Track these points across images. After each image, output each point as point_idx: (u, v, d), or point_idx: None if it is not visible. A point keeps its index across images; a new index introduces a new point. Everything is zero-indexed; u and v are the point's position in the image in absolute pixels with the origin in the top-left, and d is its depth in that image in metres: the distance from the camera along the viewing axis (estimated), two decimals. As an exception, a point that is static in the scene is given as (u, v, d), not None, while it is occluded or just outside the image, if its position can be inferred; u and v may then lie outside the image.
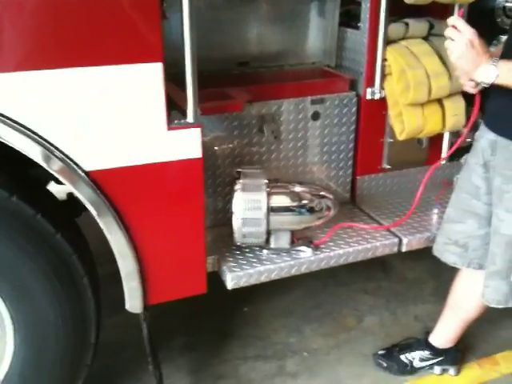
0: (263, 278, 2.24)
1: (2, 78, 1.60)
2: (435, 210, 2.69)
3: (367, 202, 2.72)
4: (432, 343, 2.51)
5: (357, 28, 2.54)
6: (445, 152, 2.79)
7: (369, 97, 2.53)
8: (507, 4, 2.76)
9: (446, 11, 2.63)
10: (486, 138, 2.02)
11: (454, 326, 2.45)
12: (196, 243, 2.05)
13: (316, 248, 2.34)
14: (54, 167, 1.72)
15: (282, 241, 2.30)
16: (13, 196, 1.73)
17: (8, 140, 1.65)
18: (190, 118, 1.86)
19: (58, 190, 2.14)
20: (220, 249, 2.30)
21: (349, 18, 2.64)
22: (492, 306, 2.12)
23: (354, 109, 2.56)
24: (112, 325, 2.42)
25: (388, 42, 2.47)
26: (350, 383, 2.53)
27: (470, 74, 1.88)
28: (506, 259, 2.02)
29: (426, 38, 2.59)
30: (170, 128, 1.83)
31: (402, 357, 2.55)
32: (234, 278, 2.18)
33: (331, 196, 2.30)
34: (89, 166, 1.76)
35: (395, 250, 2.48)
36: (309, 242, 2.35)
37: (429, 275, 3.27)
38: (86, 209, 1.89)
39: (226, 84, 2.36)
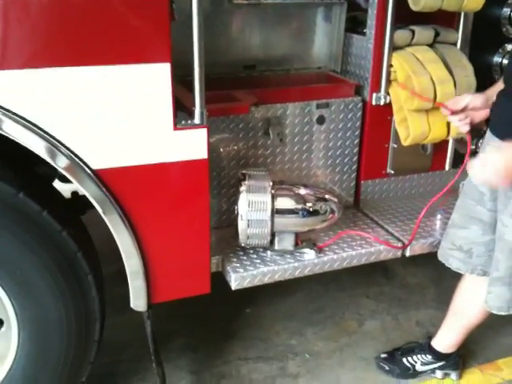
0: (267, 279, 2.25)
1: (11, 75, 1.62)
2: (439, 216, 2.70)
3: (371, 206, 2.74)
4: (434, 348, 2.52)
5: (363, 34, 2.56)
6: (448, 162, 2.81)
7: (374, 102, 2.55)
8: (513, 13, 2.78)
9: (452, 19, 2.66)
10: (492, 144, 1.99)
11: (456, 332, 2.45)
12: (201, 243, 2.06)
13: (320, 251, 2.36)
14: (61, 164, 1.74)
15: (285, 243, 2.31)
16: (20, 193, 1.75)
17: (16, 137, 1.68)
18: (196, 119, 1.88)
19: (62, 189, 2.17)
20: (224, 249, 2.31)
21: (355, 24, 2.66)
22: (494, 312, 2.12)
23: (359, 114, 2.58)
24: (114, 324, 2.43)
25: (394, 48, 2.49)
26: (351, 386, 2.54)
27: None
28: (509, 266, 2.02)
29: (431, 46, 2.61)
30: (176, 128, 1.85)
31: (405, 360, 2.55)
32: (237, 279, 2.20)
33: (335, 199, 2.31)
34: (96, 165, 1.78)
35: (399, 254, 2.49)
36: (312, 245, 2.37)
37: (430, 281, 3.28)
38: (90, 207, 1.92)
39: (233, 87, 2.39)
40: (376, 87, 2.53)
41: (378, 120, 2.62)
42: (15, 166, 1.89)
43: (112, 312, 2.23)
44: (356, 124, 2.59)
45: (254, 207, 2.16)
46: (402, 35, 2.52)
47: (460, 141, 2.86)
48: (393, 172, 2.73)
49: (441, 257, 2.34)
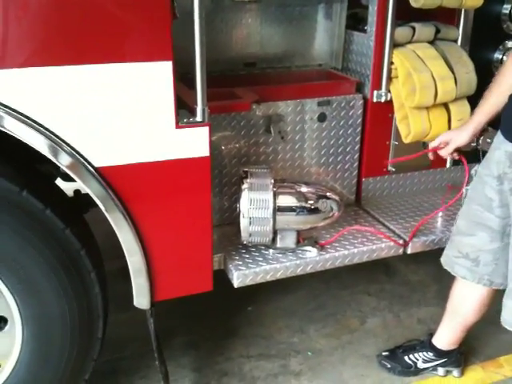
0: (269, 277, 2.25)
1: (14, 74, 1.62)
2: (440, 213, 2.70)
3: (372, 203, 2.74)
4: (435, 345, 2.52)
5: (364, 31, 2.56)
6: (449, 159, 2.81)
7: (375, 99, 2.56)
8: (513, 10, 2.78)
9: (453, 16, 2.66)
10: (503, 149, 1.94)
11: (455, 330, 2.45)
12: (203, 241, 2.07)
13: (321, 248, 2.36)
14: (63, 162, 1.74)
15: (287, 240, 2.32)
16: (23, 191, 1.76)
17: (19, 135, 1.68)
18: (198, 117, 1.89)
19: (64, 188, 2.17)
20: (226, 247, 2.32)
21: (356, 21, 2.67)
22: (507, 327, 2.06)
23: (360, 111, 2.59)
24: (117, 321, 2.44)
25: (394, 45, 2.49)
26: (354, 384, 2.55)
27: None
28: None
29: (432, 42, 2.61)
30: (178, 126, 1.85)
31: (406, 358, 2.56)
32: (239, 277, 2.20)
33: (337, 197, 2.32)
34: (98, 162, 1.79)
35: (400, 251, 2.49)
36: (314, 242, 2.37)
37: (432, 278, 3.28)
38: (93, 205, 1.92)
39: (233, 84, 2.39)
40: (377, 84, 2.54)
41: (379, 117, 2.62)
42: (18, 164, 1.90)
43: (115, 309, 2.24)
44: (357, 121, 2.59)
45: (255, 205, 2.16)
46: (402, 32, 2.52)
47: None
48: (394, 169, 2.74)
49: (446, 265, 2.29)
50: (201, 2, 1.77)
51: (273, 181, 2.21)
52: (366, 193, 2.74)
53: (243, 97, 2.31)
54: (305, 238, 2.37)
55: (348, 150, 2.63)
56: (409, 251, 2.49)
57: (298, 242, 2.34)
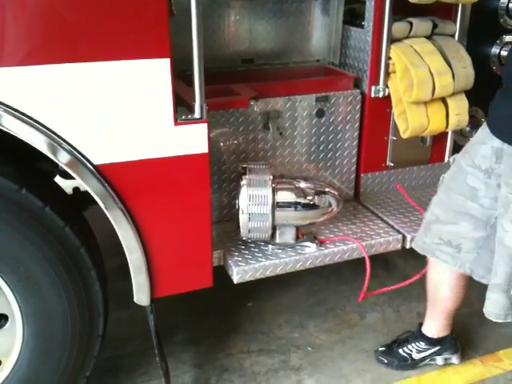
0: (268, 273, 2.27)
1: (12, 72, 1.63)
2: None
3: (371, 199, 2.75)
4: (425, 334, 2.51)
5: (361, 26, 2.57)
6: (447, 154, 2.82)
7: (373, 95, 2.56)
8: (510, 4, 2.78)
9: (450, 10, 2.66)
10: (490, 144, 1.95)
11: (439, 317, 2.45)
12: (202, 237, 2.07)
13: (320, 244, 2.37)
14: (62, 160, 1.75)
15: (286, 236, 2.33)
16: (22, 189, 1.76)
17: (18, 133, 1.68)
18: (196, 114, 1.89)
19: (64, 185, 2.18)
20: (226, 243, 2.33)
21: (353, 17, 2.67)
22: (491, 319, 2.07)
23: (358, 106, 2.59)
24: (117, 318, 2.45)
25: (392, 40, 2.50)
26: (354, 378, 2.55)
27: None
28: (508, 272, 1.96)
29: (429, 37, 2.61)
30: (176, 123, 1.86)
31: (401, 351, 2.56)
32: (239, 272, 2.21)
33: (336, 192, 2.33)
34: (97, 160, 1.79)
35: (399, 246, 2.51)
36: (313, 238, 2.38)
37: (432, 273, 3.29)
38: (92, 202, 1.93)
39: (231, 81, 2.41)
40: (375, 80, 2.54)
41: (377, 113, 2.63)
42: (17, 163, 1.90)
43: (115, 306, 2.25)
44: (355, 117, 2.60)
45: (254, 201, 2.17)
46: (400, 27, 2.53)
47: (459, 132, 2.88)
48: (392, 164, 2.75)
49: (424, 251, 2.28)
50: (198, -1, 1.78)
51: (271, 177, 2.22)
52: (364, 188, 2.75)
53: (241, 93, 2.32)
54: (304, 233, 2.38)
55: (346, 145, 2.63)
56: (407, 245, 2.50)
57: (297, 238, 2.35)
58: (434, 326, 2.49)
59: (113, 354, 2.55)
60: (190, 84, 1.89)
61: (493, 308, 2.04)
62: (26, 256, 1.83)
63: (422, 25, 2.57)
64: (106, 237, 2.00)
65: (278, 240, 2.33)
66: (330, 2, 2.69)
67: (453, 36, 2.68)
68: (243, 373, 2.57)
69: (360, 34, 2.57)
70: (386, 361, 2.58)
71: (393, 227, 2.54)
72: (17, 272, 1.83)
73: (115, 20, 1.67)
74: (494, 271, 2.01)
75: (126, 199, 1.87)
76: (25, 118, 1.67)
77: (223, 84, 2.35)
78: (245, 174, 2.21)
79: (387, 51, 2.49)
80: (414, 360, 2.54)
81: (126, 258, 1.97)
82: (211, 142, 2.09)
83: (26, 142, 1.71)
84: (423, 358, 2.54)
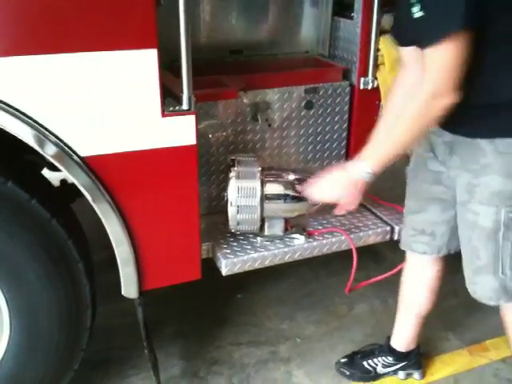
0: (257, 265, 2.26)
1: (-3, 63, 1.60)
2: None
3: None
4: (394, 348, 2.49)
5: (350, 18, 2.55)
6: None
7: (362, 86, 2.55)
8: None
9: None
10: (441, 139, 1.98)
11: (411, 324, 2.43)
12: (191, 229, 2.07)
13: (309, 236, 2.37)
14: (49, 152, 1.73)
15: (275, 228, 2.32)
16: (8, 181, 1.74)
17: (4, 125, 1.66)
18: (184, 105, 1.87)
19: (51, 177, 2.16)
20: (214, 236, 2.32)
21: (342, 8, 2.65)
22: (484, 302, 2.05)
23: (347, 98, 2.58)
24: (106, 311, 2.44)
25: (381, 32, 2.48)
26: (342, 369, 2.57)
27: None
28: (490, 253, 1.95)
29: (418, 29, 2.61)
30: (164, 115, 1.84)
31: (365, 364, 2.51)
32: (228, 265, 2.20)
33: None
34: (84, 152, 1.77)
35: (387, 237, 2.51)
36: (302, 230, 2.38)
37: (420, 264, 3.31)
38: (80, 195, 1.91)
39: (220, 72, 2.38)
40: (364, 71, 2.53)
41: (366, 104, 2.61)
42: (3, 155, 1.88)
43: (104, 299, 2.24)
44: (344, 108, 2.59)
45: (243, 193, 2.16)
46: (389, 19, 2.51)
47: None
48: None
49: (403, 246, 2.30)
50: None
51: (260, 169, 2.21)
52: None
53: (230, 84, 2.30)
54: (293, 225, 2.38)
55: (335, 137, 2.63)
56: (396, 237, 2.50)
57: (285, 230, 2.34)
58: (406, 336, 2.47)
59: (101, 346, 2.54)
60: (178, 75, 1.88)
61: (483, 291, 2.03)
62: (12, 248, 1.81)
63: (411, 16, 2.56)
64: (94, 229, 1.99)
65: (266, 232, 2.32)
66: (320, -7, 2.68)
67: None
68: (232, 365, 2.58)
69: (349, 26, 2.56)
70: (347, 373, 2.52)
71: (381, 219, 2.55)
72: (3, 265, 1.82)
73: (101, 10, 1.65)
74: (474, 256, 2.00)
75: (113, 191, 1.85)
76: (10, 109, 1.65)
77: (212, 75, 2.33)
78: (233, 166, 2.20)
79: (376, 43, 2.47)
80: (378, 374, 2.51)
81: (114, 251, 1.96)
82: (200, 134, 2.08)
83: (11, 134, 1.69)
84: (387, 373, 2.52)
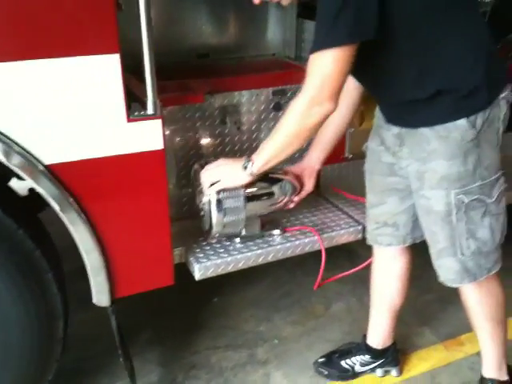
0: (231, 268, 2.25)
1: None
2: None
3: (331, 190, 2.76)
4: (370, 345, 2.51)
5: (315, 19, 2.56)
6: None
7: (329, 87, 2.56)
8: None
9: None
10: (391, 132, 2.02)
11: (385, 319, 2.46)
12: (161, 235, 2.05)
13: (285, 231, 2.39)
14: (13, 162, 1.70)
15: (253, 227, 2.32)
16: (-29, 193, 1.72)
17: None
18: (150, 110, 1.86)
19: (19, 186, 2.12)
20: (187, 240, 2.30)
21: (307, 10, 2.67)
22: (449, 285, 2.10)
23: (315, 99, 2.59)
24: (81, 320, 2.42)
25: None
26: (320, 369, 2.58)
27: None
28: (447, 235, 1.99)
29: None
30: (129, 120, 1.82)
31: (343, 363, 2.52)
32: (201, 269, 2.19)
33: (292, 178, 2.32)
34: (48, 160, 1.75)
35: (359, 236, 2.52)
36: (277, 225, 2.40)
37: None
38: (48, 204, 1.89)
39: (187, 76, 2.38)
40: (330, 72, 2.54)
41: (334, 105, 2.63)
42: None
43: (78, 307, 2.22)
44: (313, 110, 2.60)
45: (227, 195, 2.14)
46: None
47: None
48: (351, 156, 2.77)
49: (370, 240, 2.34)
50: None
51: None
52: (324, 179, 2.75)
53: (196, 88, 2.29)
54: (266, 222, 2.38)
55: (305, 138, 2.63)
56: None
57: (262, 228, 2.35)
58: (381, 332, 2.49)
59: (78, 355, 2.51)
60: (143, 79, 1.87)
61: (446, 274, 2.07)
62: (-22, 261, 1.78)
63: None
64: (66, 237, 1.96)
65: (245, 232, 2.31)
66: (284, -5, 2.68)
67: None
68: (210, 369, 2.57)
69: (314, 27, 2.57)
70: (326, 372, 2.53)
71: (353, 218, 2.56)
72: (-31, 277, 1.79)
73: (60, 15, 1.63)
74: (435, 240, 2.04)
75: (81, 199, 1.83)
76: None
77: (179, 79, 2.32)
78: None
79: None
80: (356, 372, 2.53)
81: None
82: (168, 138, 2.07)
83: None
84: (365, 371, 2.54)
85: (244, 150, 2.51)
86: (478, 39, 1.83)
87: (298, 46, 2.74)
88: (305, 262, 3.16)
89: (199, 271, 2.19)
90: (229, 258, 2.24)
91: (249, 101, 2.45)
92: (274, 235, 2.37)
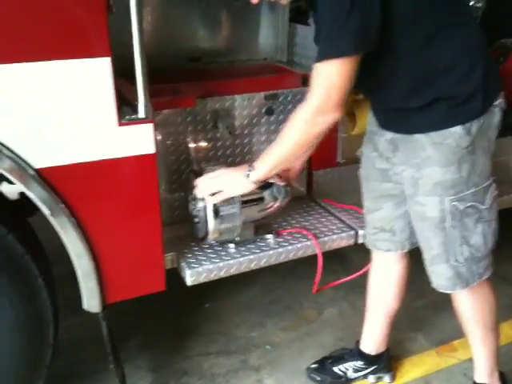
0: (223, 274, 2.23)
1: None
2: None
3: (324, 195, 2.75)
4: (364, 351, 2.50)
5: (307, 24, 2.57)
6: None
7: (321, 92, 2.56)
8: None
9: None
10: (384, 138, 2.03)
11: (380, 325, 2.45)
12: (153, 240, 2.04)
13: (278, 235, 2.38)
14: (3, 166, 1.68)
15: (247, 232, 2.30)
16: (-40, 198, 1.70)
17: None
18: (141, 113, 1.85)
19: (9, 190, 2.10)
20: (178, 245, 2.29)
21: (299, 14, 2.67)
22: (441, 291, 2.10)
23: (307, 104, 2.59)
24: (72, 325, 2.40)
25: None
26: (312, 375, 2.56)
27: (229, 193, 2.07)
28: (441, 241, 1.99)
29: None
30: (121, 124, 1.81)
31: (336, 369, 2.51)
32: (193, 275, 2.17)
33: (284, 183, 2.31)
34: (38, 164, 1.73)
35: (352, 242, 2.52)
36: (270, 229, 2.40)
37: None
38: (38, 208, 1.87)
39: (179, 80, 2.37)
40: (322, 77, 2.54)
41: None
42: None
43: (69, 313, 2.20)
44: (305, 114, 2.59)
45: (223, 202, 2.12)
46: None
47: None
48: (344, 161, 2.76)
49: (369, 245, 2.35)
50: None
51: None
52: (316, 185, 2.75)
53: (188, 92, 2.29)
54: (260, 227, 2.37)
55: (297, 142, 2.63)
56: (360, 240, 2.51)
57: (255, 232, 2.34)
58: (375, 338, 2.48)
59: (68, 361, 2.49)
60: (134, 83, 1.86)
61: (439, 280, 2.07)
62: (-34, 266, 1.76)
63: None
64: (55, 242, 1.94)
65: (239, 238, 2.30)
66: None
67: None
68: (202, 375, 2.55)
69: (306, 32, 2.58)
70: (318, 378, 2.52)
71: (345, 223, 2.56)
72: (-42, 283, 1.77)
73: (51, 18, 1.62)
74: (428, 246, 2.04)
75: (71, 203, 1.81)
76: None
77: (171, 83, 2.31)
78: (202, 175, 2.14)
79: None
80: (349, 378, 2.51)
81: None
82: (159, 143, 2.05)
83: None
84: (358, 377, 2.52)
85: (236, 154, 2.50)
86: (472, 45, 1.84)
87: (289, 51, 2.75)
88: (296, 267, 3.15)
89: (191, 277, 2.18)
90: (221, 264, 2.23)
91: (241, 105, 2.44)
92: (267, 240, 2.36)
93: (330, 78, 1.71)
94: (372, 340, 2.49)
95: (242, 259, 2.26)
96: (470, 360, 2.40)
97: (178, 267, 2.25)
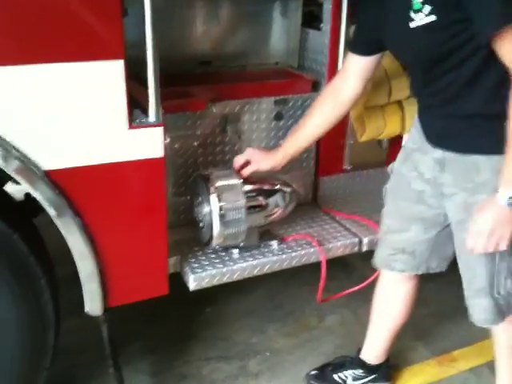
0: (226, 279, 2.22)
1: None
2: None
3: (330, 202, 2.74)
4: (364, 360, 2.47)
5: (319, 29, 2.55)
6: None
7: (331, 98, 2.55)
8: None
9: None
10: (431, 156, 1.92)
11: (383, 338, 2.43)
12: (158, 244, 2.02)
13: (282, 241, 2.36)
14: (11, 167, 1.66)
15: (251, 238, 2.29)
16: (-34, 197, 1.68)
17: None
18: (151, 117, 1.84)
19: (15, 190, 2.08)
20: (182, 249, 2.27)
21: (311, 19, 2.65)
22: (479, 325, 2.04)
23: (317, 110, 2.57)
24: (72, 327, 2.36)
25: (349, 43, 2.49)
26: (313, 382, 2.54)
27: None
28: (488, 273, 1.91)
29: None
30: (131, 127, 1.80)
31: (335, 376, 2.48)
32: (196, 279, 2.16)
33: (290, 188, 2.32)
34: (47, 165, 1.72)
35: (356, 249, 2.51)
36: (274, 235, 2.39)
37: (389, 274, 3.31)
38: (43, 209, 1.85)
39: (189, 84, 2.35)
40: (332, 83, 2.53)
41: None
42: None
43: (69, 315, 2.17)
44: (313, 120, 2.58)
45: (229, 207, 2.11)
46: (357, 30, 2.52)
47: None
48: (350, 167, 2.75)
49: (381, 265, 2.27)
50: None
51: (241, 181, 2.17)
52: (323, 191, 2.74)
53: (198, 96, 2.27)
54: (264, 232, 2.36)
55: (304, 148, 2.61)
56: (364, 249, 2.50)
57: (260, 238, 2.33)
58: (376, 349, 2.45)
59: (68, 364, 2.46)
60: (146, 86, 1.84)
61: (481, 314, 2.00)
62: (-29, 265, 1.74)
63: (378, 28, 2.57)
64: (59, 243, 1.92)
65: (243, 243, 2.28)
66: (289, 4, 2.67)
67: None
68: (201, 380, 2.53)
69: (318, 37, 2.56)
70: None
71: (349, 230, 2.54)
72: (-39, 282, 1.74)
73: (66, 20, 1.60)
74: (471, 276, 1.96)
75: (78, 205, 1.80)
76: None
77: (181, 86, 2.29)
78: (208, 180, 2.14)
79: (344, 54, 2.47)
80: None
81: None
82: (168, 146, 2.03)
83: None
84: None
85: (244, 159, 2.48)
86: None
87: (301, 56, 2.72)
88: (298, 273, 3.13)
89: (194, 282, 2.16)
90: (224, 269, 2.21)
91: (250, 109, 2.42)
92: (271, 246, 2.34)
93: None
94: (374, 350, 2.47)
95: (245, 265, 2.25)
96: (470, 370, 2.40)
97: (181, 272, 2.23)
